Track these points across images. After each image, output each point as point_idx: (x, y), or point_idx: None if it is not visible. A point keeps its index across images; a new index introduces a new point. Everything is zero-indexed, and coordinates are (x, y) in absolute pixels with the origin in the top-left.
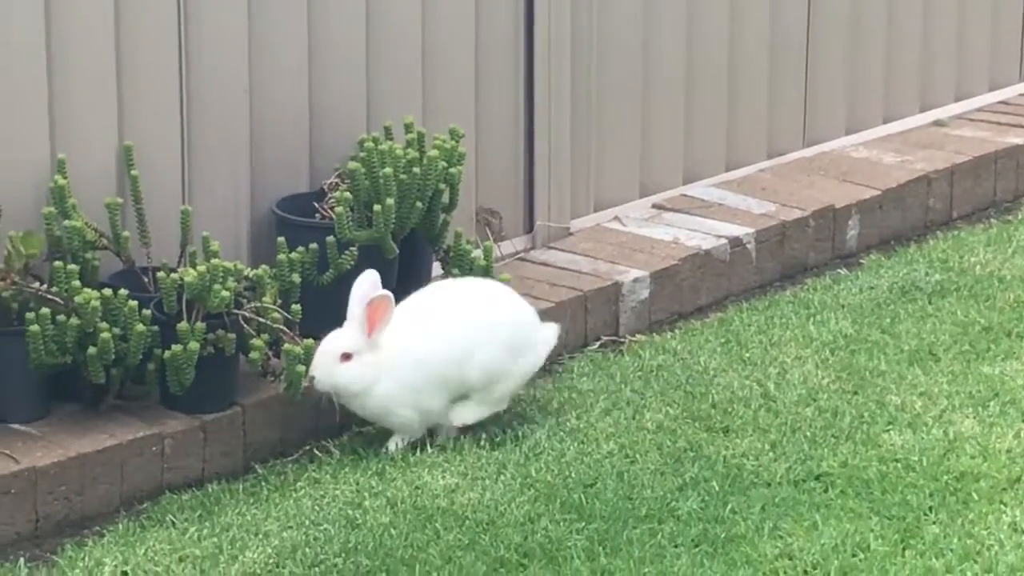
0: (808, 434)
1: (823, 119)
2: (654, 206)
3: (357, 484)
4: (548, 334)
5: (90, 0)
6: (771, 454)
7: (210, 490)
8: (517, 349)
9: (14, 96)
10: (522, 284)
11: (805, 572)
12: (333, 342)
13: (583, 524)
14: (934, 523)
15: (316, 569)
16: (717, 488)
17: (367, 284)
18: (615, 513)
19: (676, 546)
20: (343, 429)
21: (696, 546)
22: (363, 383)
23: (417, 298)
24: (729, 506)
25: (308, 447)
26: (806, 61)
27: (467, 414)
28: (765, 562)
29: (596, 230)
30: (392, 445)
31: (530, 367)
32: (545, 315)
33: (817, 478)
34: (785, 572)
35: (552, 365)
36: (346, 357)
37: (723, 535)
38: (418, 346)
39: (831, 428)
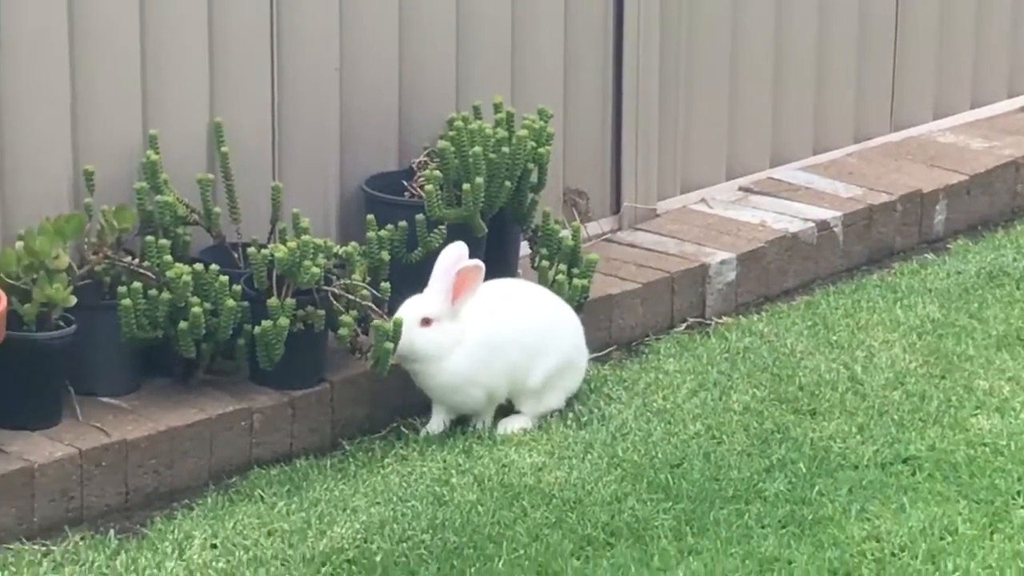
0: (895, 417)
1: (911, 103)
2: (741, 188)
3: (444, 461)
4: (585, 362)
5: None
6: (858, 437)
7: (298, 465)
8: (572, 364)
9: (107, 73)
10: (609, 265)
11: (892, 554)
12: (414, 307)
13: (670, 504)
14: (1023, 507)
15: (404, 545)
16: (804, 470)
17: (455, 255)
18: (702, 493)
19: (763, 527)
20: (429, 407)
21: (783, 527)
22: (440, 350)
23: (501, 282)
24: (816, 488)
25: (395, 424)
26: (895, 45)
27: (513, 425)
28: (852, 544)
29: (683, 212)
30: (479, 423)
31: (574, 386)
32: (632, 296)
33: (904, 461)
34: (872, 554)
35: (638, 346)
36: (426, 322)
37: (810, 516)
38: (498, 327)
39: (918, 412)
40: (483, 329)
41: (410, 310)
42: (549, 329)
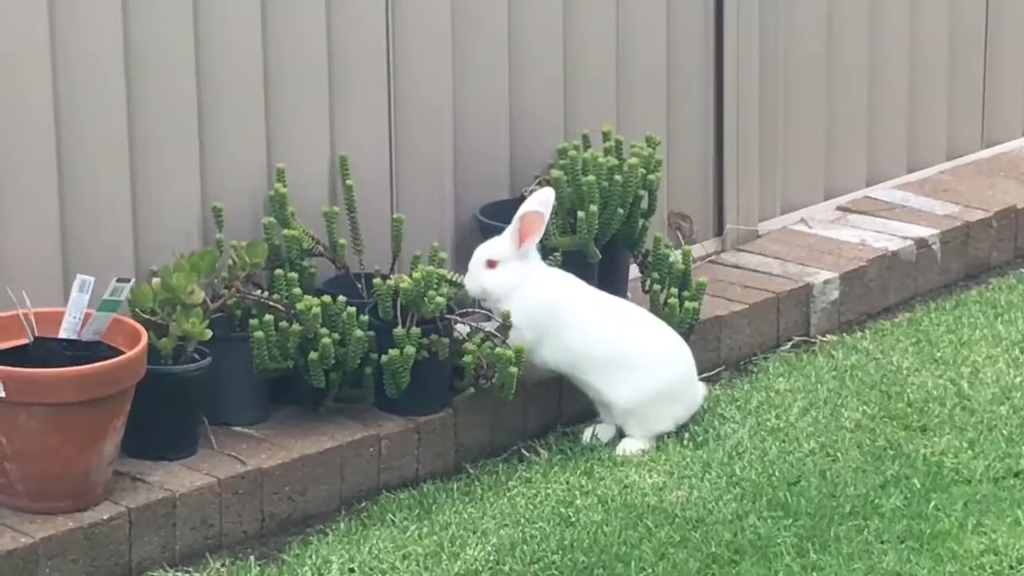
0: (1004, 432)
1: (1001, 120)
2: (839, 208)
3: (567, 483)
4: (698, 395)
5: (304, 15)
6: (969, 452)
7: (425, 489)
8: (675, 394)
9: (235, 111)
10: (715, 286)
11: (1011, 567)
12: (481, 250)
13: (790, 521)
14: None
15: (535, 566)
16: (919, 485)
17: (539, 199)
18: (820, 510)
19: (882, 542)
20: (548, 430)
21: (902, 542)
22: (505, 288)
23: (620, 300)
24: (932, 503)
25: (516, 447)
26: (984, 63)
27: (630, 446)
28: (971, 557)
29: (784, 232)
30: (587, 436)
31: (684, 416)
32: (739, 317)
33: (1016, 475)
34: (991, 567)
35: (747, 365)
36: (491, 264)
37: (928, 531)
38: (575, 315)
39: None
40: (570, 306)
41: (476, 255)
42: (640, 349)
